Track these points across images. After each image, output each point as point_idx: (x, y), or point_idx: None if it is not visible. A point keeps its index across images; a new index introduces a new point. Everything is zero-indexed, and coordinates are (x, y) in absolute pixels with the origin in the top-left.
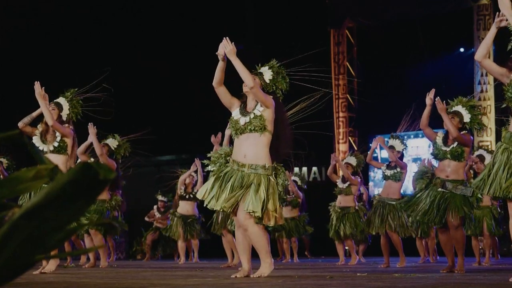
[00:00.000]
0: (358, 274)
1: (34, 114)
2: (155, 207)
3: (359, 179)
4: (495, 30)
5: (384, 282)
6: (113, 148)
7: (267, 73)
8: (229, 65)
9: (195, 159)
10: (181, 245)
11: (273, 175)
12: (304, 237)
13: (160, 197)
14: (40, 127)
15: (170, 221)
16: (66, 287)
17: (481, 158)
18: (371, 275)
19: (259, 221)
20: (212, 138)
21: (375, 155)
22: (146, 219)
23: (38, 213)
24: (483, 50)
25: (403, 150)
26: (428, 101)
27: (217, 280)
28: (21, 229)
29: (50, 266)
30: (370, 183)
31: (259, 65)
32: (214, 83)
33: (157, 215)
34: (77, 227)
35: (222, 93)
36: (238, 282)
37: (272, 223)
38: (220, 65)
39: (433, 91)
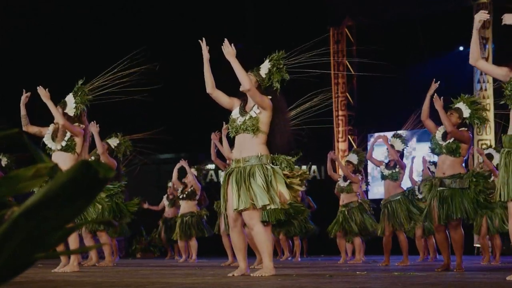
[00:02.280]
0: (357, 272)
1: (22, 111)
2: (164, 196)
3: (360, 177)
4: (477, 32)
5: (383, 280)
6: (113, 147)
7: (264, 67)
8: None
9: (181, 160)
10: (180, 244)
11: (270, 164)
12: (304, 238)
13: (170, 184)
14: (52, 126)
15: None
16: (65, 286)
17: (489, 156)
18: (371, 273)
19: (266, 214)
20: (213, 135)
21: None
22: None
23: (38, 212)
24: (474, 53)
25: (403, 149)
26: (428, 93)
27: (216, 279)
28: (21, 228)
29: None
30: (369, 180)
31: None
32: (208, 90)
33: (166, 202)
34: (76, 226)
35: (219, 96)
36: (237, 281)
37: (288, 198)
38: (206, 68)
39: (433, 87)
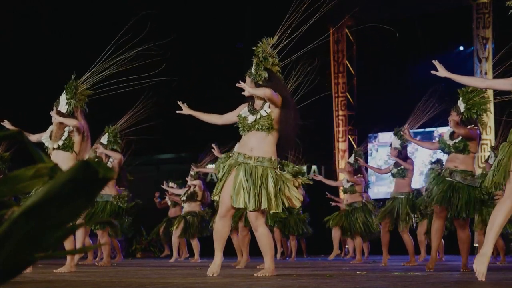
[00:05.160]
0: (357, 272)
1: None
2: (167, 196)
3: (362, 178)
4: (453, 75)
5: (383, 280)
6: (105, 143)
7: (253, 64)
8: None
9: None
10: (174, 239)
11: (278, 169)
12: (301, 238)
13: (171, 184)
14: (50, 127)
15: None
16: (65, 286)
17: None
18: (371, 273)
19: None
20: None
21: (371, 156)
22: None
23: (38, 211)
24: (473, 84)
25: (401, 145)
26: (408, 137)
27: (216, 279)
28: (20, 228)
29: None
30: (373, 177)
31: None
32: (218, 123)
33: (168, 202)
34: (76, 226)
35: (229, 119)
36: (238, 280)
37: (297, 204)
38: (199, 116)
39: (406, 127)
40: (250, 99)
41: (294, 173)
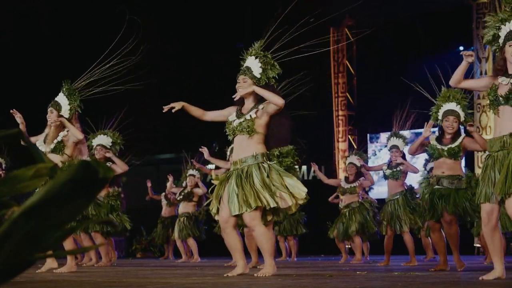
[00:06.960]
0: (357, 272)
1: (23, 129)
2: (162, 195)
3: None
4: (466, 64)
5: (383, 280)
6: (108, 147)
7: (255, 67)
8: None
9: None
10: (178, 243)
11: (266, 162)
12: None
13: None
14: (46, 130)
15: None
16: (65, 286)
17: None
18: (371, 273)
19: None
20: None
21: (375, 156)
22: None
23: (38, 211)
24: (456, 77)
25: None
26: (426, 133)
27: (216, 279)
28: (20, 228)
29: (51, 265)
30: (375, 177)
31: (245, 53)
32: (202, 119)
33: (164, 201)
34: (76, 226)
35: (214, 117)
36: (238, 281)
37: (290, 204)
38: (186, 109)
39: (430, 123)
40: (240, 102)
41: (285, 154)
